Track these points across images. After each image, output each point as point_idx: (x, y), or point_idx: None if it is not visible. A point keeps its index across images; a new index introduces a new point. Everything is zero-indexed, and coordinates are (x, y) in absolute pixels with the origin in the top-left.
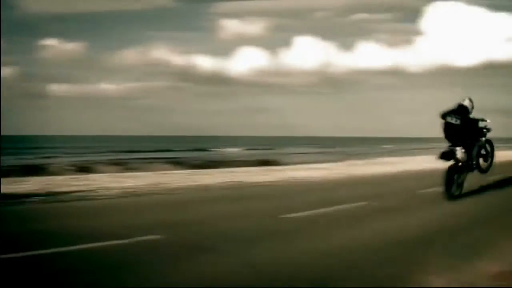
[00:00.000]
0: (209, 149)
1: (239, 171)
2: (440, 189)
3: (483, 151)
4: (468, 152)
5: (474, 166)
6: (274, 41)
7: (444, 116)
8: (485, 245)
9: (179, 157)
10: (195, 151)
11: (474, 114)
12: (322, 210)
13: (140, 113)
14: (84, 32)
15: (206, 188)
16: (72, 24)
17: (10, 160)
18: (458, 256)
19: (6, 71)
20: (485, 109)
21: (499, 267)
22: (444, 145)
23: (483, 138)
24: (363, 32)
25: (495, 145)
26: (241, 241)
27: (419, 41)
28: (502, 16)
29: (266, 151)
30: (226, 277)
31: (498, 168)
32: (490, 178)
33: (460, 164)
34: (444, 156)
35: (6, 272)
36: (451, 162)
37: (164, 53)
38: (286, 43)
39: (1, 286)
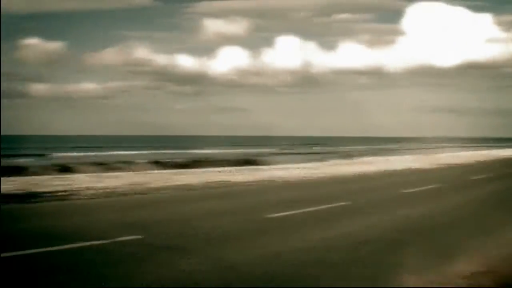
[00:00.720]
0: (190, 149)
1: (221, 171)
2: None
3: None
4: None
5: None
6: (256, 40)
7: None
8: None
9: (161, 157)
10: (176, 151)
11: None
12: (303, 210)
13: (120, 113)
14: (64, 31)
15: (189, 187)
16: (52, 23)
17: None
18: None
19: None
20: (464, 109)
21: None
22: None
23: None
24: (344, 32)
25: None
26: (220, 241)
27: (400, 41)
28: (483, 17)
29: (247, 150)
30: (202, 276)
31: None
32: None
33: None
34: None
35: None
36: None
37: (145, 53)
38: (268, 43)
39: None
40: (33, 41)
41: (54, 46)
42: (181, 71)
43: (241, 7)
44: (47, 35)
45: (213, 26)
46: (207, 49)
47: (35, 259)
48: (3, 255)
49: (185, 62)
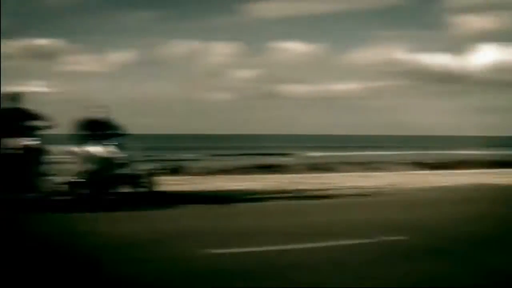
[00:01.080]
0: (447, 149)
1: (482, 173)
2: None
3: None
4: None
5: None
6: None
7: None
8: None
9: (418, 157)
10: (433, 151)
11: None
12: None
13: (374, 112)
14: (315, 34)
15: (449, 189)
16: (304, 26)
17: (255, 159)
18: None
19: (247, 73)
20: None
21: None
22: None
23: None
24: None
25: None
26: (481, 245)
27: None
28: None
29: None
30: (464, 279)
31: None
32: None
33: None
34: None
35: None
36: None
37: (399, 52)
38: None
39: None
40: (293, 44)
41: (311, 48)
42: (436, 70)
43: (496, 1)
44: (305, 38)
45: (467, 22)
46: (463, 46)
47: (305, 254)
48: (281, 247)
49: (440, 60)
